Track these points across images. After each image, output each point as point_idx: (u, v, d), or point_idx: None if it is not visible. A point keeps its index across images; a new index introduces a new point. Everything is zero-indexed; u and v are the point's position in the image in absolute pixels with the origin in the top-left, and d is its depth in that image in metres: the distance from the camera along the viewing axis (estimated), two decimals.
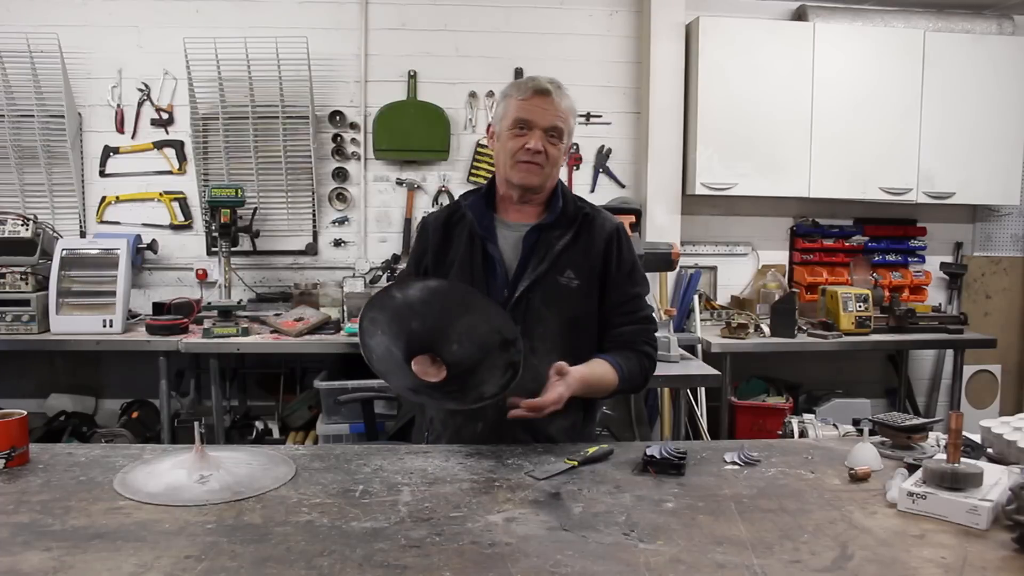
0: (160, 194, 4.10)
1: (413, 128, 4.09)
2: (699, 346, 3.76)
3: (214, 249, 3.87)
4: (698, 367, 3.19)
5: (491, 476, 1.52)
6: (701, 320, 4.00)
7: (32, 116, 3.84)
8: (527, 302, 1.75)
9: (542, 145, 1.72)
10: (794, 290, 4.36)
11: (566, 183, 4.25)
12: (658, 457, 1.56)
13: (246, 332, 3.48)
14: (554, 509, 1.35)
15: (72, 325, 3.43)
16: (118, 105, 4.04)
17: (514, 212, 1.84)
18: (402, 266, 4.11)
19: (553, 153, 1.75)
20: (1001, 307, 4.76)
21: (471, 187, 1.97)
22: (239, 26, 3.96)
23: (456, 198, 1.95)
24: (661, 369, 3.06)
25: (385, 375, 1.61)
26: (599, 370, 1.74)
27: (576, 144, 4.28)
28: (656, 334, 1.89)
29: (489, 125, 1.86)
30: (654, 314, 3.15)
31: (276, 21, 4.02)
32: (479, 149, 4.18)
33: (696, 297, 4.08)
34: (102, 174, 4.07)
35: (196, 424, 1.53)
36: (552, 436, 1.79)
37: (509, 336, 1.67)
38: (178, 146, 4.09)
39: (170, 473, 1.47)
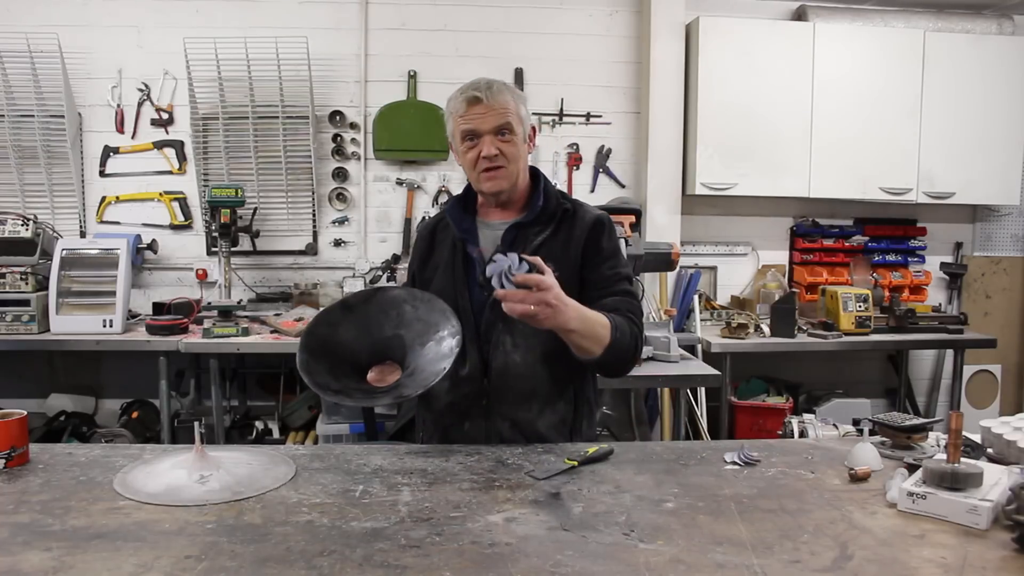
0: (160, 194, 4.11)
1: (413, 128, 4.10)
2: (699, 346, 3.76)
3: (214, 249, 3.87)
4: (698, 367, 3.19)
5: (491, 476, 1.52)
6: (701, 320, 4.00)
7: (32, 116, 3.85)
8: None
9: (496, 148, 1.71)
10: (794, 290, 4.36)
11: (566, 183, 4.27)
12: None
13: (246, 332, 3.48)
14: (554, 509, 1.35)
15: (72, 325, 3.44)
16: (118, 105, 4.04)
17: (495, 212, 1.83)
18: (402, 267, 4.12)
19: (510, 151, 1.72)
20: (1001, 307, 4.76)
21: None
22: (239, 26, 3.96)
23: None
24: (661, 369, 3.08)
25: (307, 374, 1.63)
26: (592, 312, 1.64)
27: (576, 144, 4.29)
28: (642, 315, 1.82)
29: (449, 142, 1.83)
30: (653, 314, 3.13)
31: (276, 21, 4.03)
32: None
33: (696, 297, 4.09)
34: (102, 174, 4.08)
35: (196, 424, 1.53)
36: (542, 434, 1.77)
37: (447, 330, 1.69)
38: (178, 146, 4.09)
39: (170, 473, 1.46)
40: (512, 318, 1.66)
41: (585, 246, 1.77)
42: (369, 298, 1.79)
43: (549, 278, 1.52)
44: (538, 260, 1.53)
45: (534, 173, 1.85)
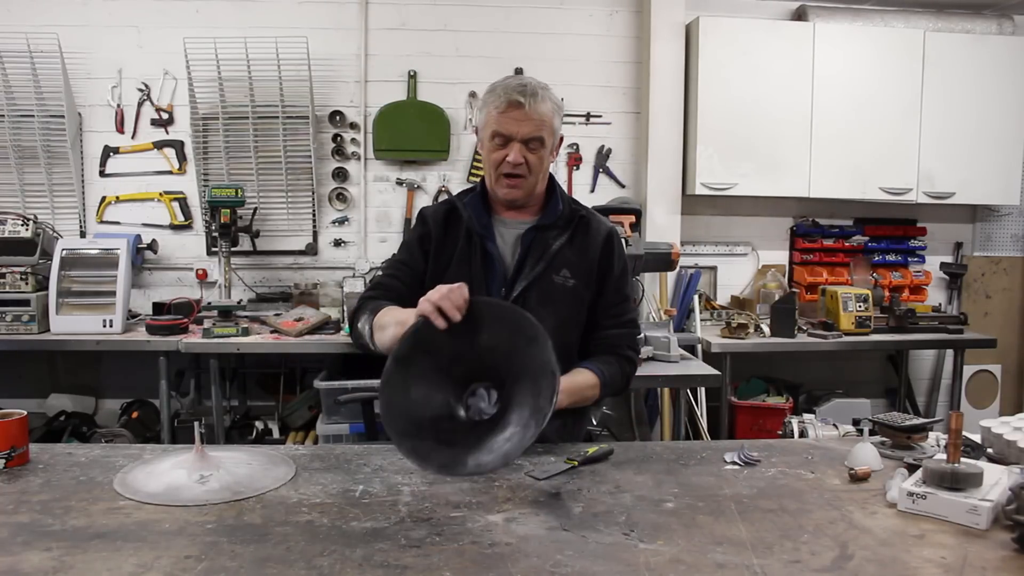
0: (160, 194, 4.10)
1: (413, 128, 4.09)
2: (699, 346, 3.76)
3: (214, 249, 3.87)
4: (698, 367, 3.19)
5: (491, 476, 1.51)
6: (701, 320, 4.00)
7: (32, 116, 3.84)
8: (523, 301, 1.76)
9: (522, 157, 1.71)
10: (794, 290, 4.36)
11: (566, 183, 4.27)
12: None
13: (246, 332, 3.48)
14: (554, 509, 1.35)
15: (72, 325, 3.43)
16: (118, 105, 4.04)
17: (510, 211, 1.84)
18: None
19: (534, 162, 1.73)
20: (1001, 307, 4.76)
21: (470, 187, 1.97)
22: (239, 26, 3.96)
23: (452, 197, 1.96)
24: (661, 369, 3.08)
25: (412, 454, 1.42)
26: (581, 379, 1.75)
27: (576, 144, 4.29)
28: (639, 337, 1.91)
29: (477, 128, 1.83)
30: (653, 314, 3.14)
31: (276, 21, 4.02)
32: (479, 149, 4.18)
33: (696, 297, 4.09)
34: (102, 174, 4.07)
35: (196, 424, 1.53)
36: (544, 436, 1.78)
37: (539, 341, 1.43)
38: (178, 146, 4.09)
39: (170, 473, 1.46)
40: None
41: (602, 259, 1.82)
42: (414, 343, 1.49)
43: None
44: None
45: (548, 176, 1.86)
